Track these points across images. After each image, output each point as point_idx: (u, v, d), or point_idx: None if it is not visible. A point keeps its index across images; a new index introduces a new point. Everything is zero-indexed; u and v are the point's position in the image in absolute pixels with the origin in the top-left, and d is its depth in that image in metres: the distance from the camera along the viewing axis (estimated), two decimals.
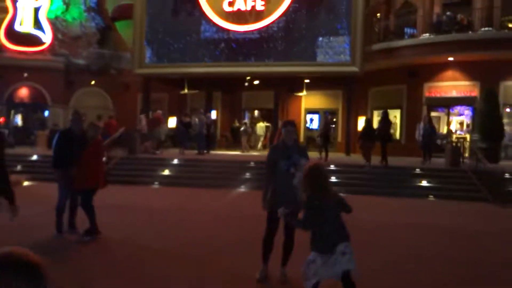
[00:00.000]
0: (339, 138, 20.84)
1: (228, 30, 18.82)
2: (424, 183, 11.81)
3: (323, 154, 14.42)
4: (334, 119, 21.59)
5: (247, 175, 11.82)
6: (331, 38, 18.01)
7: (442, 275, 4.93)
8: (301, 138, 22.02)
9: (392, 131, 14.76)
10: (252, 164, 12.72)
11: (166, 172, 12.69)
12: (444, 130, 18.20)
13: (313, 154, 14.12)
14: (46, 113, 23.24)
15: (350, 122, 19.06)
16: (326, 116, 18.94)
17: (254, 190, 9.68)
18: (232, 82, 21.46)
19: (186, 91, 21.58)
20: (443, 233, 7.10)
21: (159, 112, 17.40)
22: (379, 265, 5.12)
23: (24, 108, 22.72)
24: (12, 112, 22.63)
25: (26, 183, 11.19)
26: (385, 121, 13.33)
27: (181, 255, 5.44)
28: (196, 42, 19.28)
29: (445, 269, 5.13)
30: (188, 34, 19.29)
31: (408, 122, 18.24)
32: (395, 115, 19.24)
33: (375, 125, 14.87)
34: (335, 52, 18.04)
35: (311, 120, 22.51)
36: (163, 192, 11.06)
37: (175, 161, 13.20)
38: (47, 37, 22.82)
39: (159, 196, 10.48)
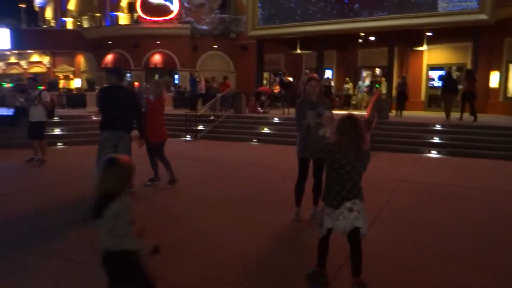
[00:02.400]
0: None
1: None
2: None
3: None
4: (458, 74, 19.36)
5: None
6: None
7: None
8: (422, 96, 20.46)
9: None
10: None
11: (266, 130, 13.21)
12: None
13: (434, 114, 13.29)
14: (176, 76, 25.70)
15: (479, 78, 16.89)
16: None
17: None
18: (346, 40, 20.69)
19: (298, 51, 21.60)
20: None
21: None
22: None
23: (158, 73, 25.40)
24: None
25: None
26: (470, 79, 13.09)
27: (221, 205, 5.87)
28: (307, 0, 18.96)
29: None
30: None
31: None
32: None
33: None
34: None
35: (440, 76, 20.32)
36: (256, 148, 11.63)
37: (276, 120, 13.60)
38: (175, 6, 24.87)
39: (250, 151, 11.06)
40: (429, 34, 18.42)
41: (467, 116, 13.21)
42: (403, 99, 15.56)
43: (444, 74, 14.47)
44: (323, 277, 3.40)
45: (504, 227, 5.04)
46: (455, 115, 13.30)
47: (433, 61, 20.15)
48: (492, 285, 3.53)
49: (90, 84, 24.98)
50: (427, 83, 20.49)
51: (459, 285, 3.51)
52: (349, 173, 3.18)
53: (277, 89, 18.75)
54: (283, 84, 15.00)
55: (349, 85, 20.18)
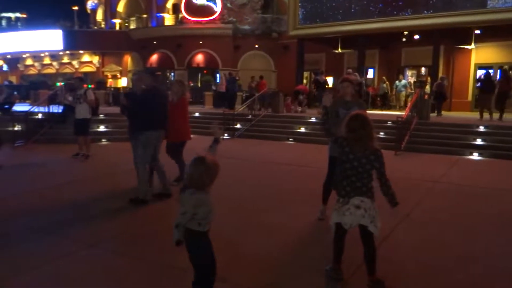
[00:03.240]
0: None
1: None
2: None
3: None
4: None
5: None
6: None
7: None
8: (469, 96, 19.68)
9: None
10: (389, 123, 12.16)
11: (302, 129, 13.23)
12: None
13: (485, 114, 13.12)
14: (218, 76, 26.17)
15: None
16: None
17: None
18: (389, 38, 20.23)
19: (339, 50, 21.38)
20: None
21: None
22: None
23: (200, 72, 25.97)
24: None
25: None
26: (505, 78, 13.34)
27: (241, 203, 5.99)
28: None
29: None
30: None
31: None
32: None
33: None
34: None
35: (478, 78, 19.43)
36: (291, 147, 11.68)
37: (312, 119, 13.58)
38: (218, 7, 25.33)
39: (285, 150, 11.12)
40: (477, 32, 17.69)
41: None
42: (442, 99, 15.31)
43: (483, 75, 14.36)
44: (338, 275, 3.46)
45: None
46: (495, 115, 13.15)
47: (482, 60, 19.31)
48: None
49: None
50: (474, 83, 19.67)
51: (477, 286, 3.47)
52: (356, 169, 3.24)
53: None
54: (318, 83, 14.85)
55: (385, 85, 19.68)
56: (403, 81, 19.49)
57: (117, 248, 4.20)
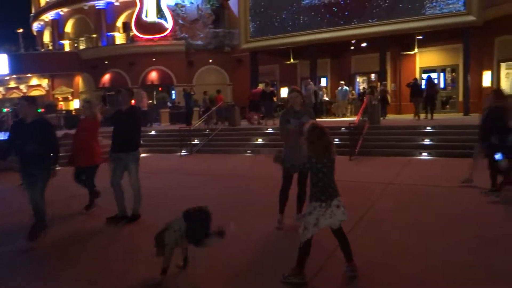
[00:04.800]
0: (461, 97, 18.79)
1: None
2: None
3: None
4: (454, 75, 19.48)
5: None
6: None
7: None
8: None
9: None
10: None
11: (260, 140, 13.34)
12: None
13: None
14: (173, 92, 25.98)
15: (470, 78, 17.02)
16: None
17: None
18: (339, 47, 20.90)
19: (292, 61, 21.84)
20: None
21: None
22: None
23: (155, 90, 25.68)
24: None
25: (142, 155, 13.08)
26: (430, 85, 15.40)
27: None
28: (297, 11, 19.24)
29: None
30: (289, 4, 19.36)
31: None
32: None
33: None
34: (447, 1, 16.17)
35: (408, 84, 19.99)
36: (249, 160, 11.72)
37: (270, 130, 13.72)
38: (169, 23, 25.26)
39: (242, 163, 11.15)
40: (419, 37, 18.61)
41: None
42: (385, 104, 16.68)
43: (412, 82, 16.19)
44: (302, 279, 3.55)
45: (477, 224, 5.11)
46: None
47: (425, 63, 20.30)
48: (459, 279, 3.61)
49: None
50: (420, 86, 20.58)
51: (425, 280, 3.63)
52: (326, 175, 3.56)
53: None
54: (265, 94, 14.96)
55: (321, 92, 19.71)
56: (345, 88, 18.94)
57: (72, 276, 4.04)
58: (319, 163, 3.53)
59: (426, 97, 15.19)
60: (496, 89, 8.39)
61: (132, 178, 5.72)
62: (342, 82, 19.57)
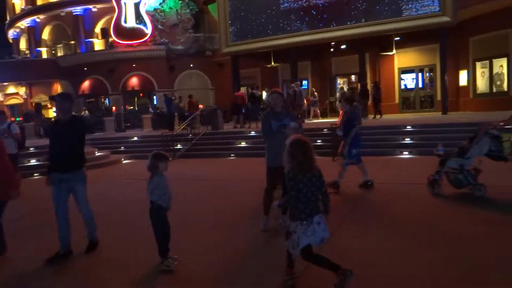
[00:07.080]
0: (439, 96, 19.19)
1: None
2: None
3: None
4: (432, 74, 19.89)
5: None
6: None
7: None
8: (396, 99, 20.90)
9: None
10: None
11: (243, 144, 13.37)
12: None
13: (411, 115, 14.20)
14: (155, 98, 25.80)
15: (447, 77, 17.39)
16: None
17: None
18: (319, 50, 21.12)
19: (273, 64, 21.95)
20: None
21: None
22: None
23: (136, 95, 25.49)
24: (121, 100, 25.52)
25: (125, 161, 12.97)
26: (376, 89, 17.73)
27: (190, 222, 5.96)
28: (276, 15, 19.37)
29: None
30: (268, 7, 19.48)
31: None
32: (501, 65, 17.04)
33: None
34: (422, 3, 16.52)
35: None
36: (232, 163, 11.74)
37: (252, 133, 13.76)
38: (148, 29, 25.11)
39: (226, 167, 11.15)
40: (397, 39, 18.94)
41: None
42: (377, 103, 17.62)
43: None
44: (292, 279, 3.56)
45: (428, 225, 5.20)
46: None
47: (403, 64, 20.69)
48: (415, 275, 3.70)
49: None
50: (400, 86, 20.99)
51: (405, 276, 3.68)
52: (309, 190, 3.35)
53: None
54: (254, 98, 15.07)
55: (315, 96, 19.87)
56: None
57: None
58: (301, 178, 3.34)
59: (372, 100, 17.46)
60: None
61: (81, 202, 4.78)
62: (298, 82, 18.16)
